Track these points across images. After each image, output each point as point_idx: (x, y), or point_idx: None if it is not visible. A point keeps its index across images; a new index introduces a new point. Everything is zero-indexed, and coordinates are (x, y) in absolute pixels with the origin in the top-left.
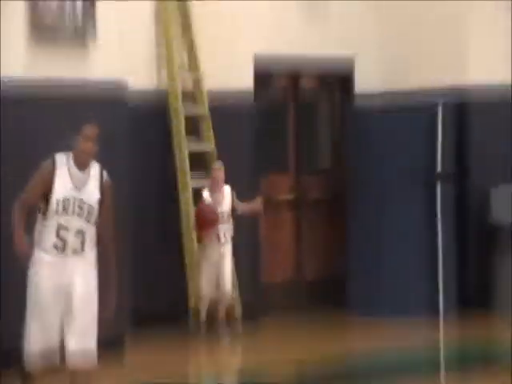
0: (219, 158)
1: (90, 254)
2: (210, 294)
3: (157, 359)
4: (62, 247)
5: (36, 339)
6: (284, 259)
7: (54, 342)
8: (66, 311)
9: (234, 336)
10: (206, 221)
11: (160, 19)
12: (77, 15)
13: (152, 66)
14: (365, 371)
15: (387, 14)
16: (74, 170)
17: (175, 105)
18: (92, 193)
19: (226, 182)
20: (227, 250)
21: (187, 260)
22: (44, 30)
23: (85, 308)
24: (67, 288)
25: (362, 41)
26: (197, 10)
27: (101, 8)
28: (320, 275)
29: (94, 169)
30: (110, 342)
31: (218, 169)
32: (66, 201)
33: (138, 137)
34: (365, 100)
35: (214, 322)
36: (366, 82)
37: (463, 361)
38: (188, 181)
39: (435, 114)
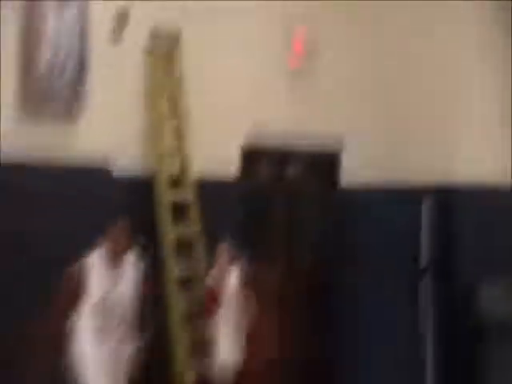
0: (207, 244)
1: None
2: None
3: None
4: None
5: None
6: None
7: None
8: None
9: None
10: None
11: (149, 98)
12: (66, 89)
13: (139, 148)
14: None
15: (374, 106)
16: (108, 267)
17: (161, 191)
18: (128, 289)
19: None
20: None
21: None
22: (33, 103)
23: None
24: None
25: (349, 136)
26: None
27: (89, 85)
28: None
29: (129, 261)
30: None
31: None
32: (103, 301)
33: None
34: (350, 193)
35: None
36: (353, 174)
37: None
38: (173, 268)
39: (420, 211)
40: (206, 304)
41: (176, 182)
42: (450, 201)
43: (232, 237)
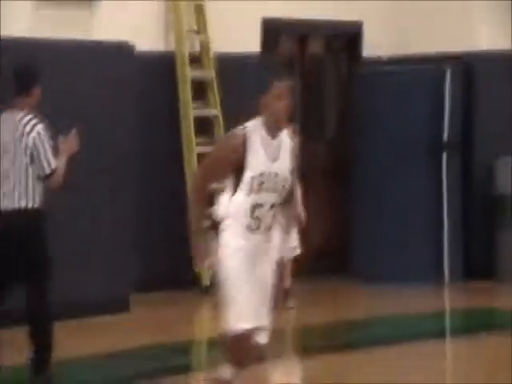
0: (225, 122)
1: (275, 228)
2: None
3: (160, 320)
4: (256, 227)
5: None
6: None
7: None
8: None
9: None
10: None
11: None
12: None
13: (160, 28)
14: (368, 339)
15: None
16: (267, 138)
17: (182, 69)
18: (286, 162)
19: None
20: None
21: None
22: None
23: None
24: (260, 270)
25: (371, 5)
26: None
27: None
28: (324, 244)
29: (285, 133)
30: (114, 305)
31: None
32: (261, 176)
33: (144, 99)
34: (372, 65)
35: None
36: (374, 47)
37: (468, 329)
38: (193, 146)
39: (443, 80)
40: None
41: (197, 60)
42: (472, 68)
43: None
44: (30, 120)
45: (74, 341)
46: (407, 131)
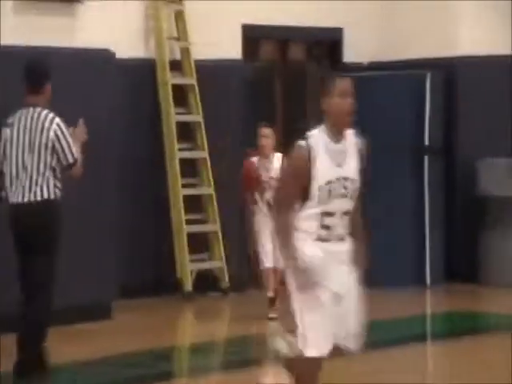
0: (207, 127)
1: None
2: (271, 265)
3: (143, 327)
4: (326, 237)
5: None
6: None
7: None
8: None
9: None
10: (251, 178)
11: None
12: None
13: (140, 35)
14: None
15: None
16: (331, 144)
17: (163, 75)
18: (353, 165)
19: (216, 152)
20: None
21: (174, 230)
22: None
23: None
24: (337, 280)
25: (352, 11)
26: None
27: None
28: None
29: (349, 134)
30: (96, 311)
31: (265, 136)
32: (329, 185)
33: (125, 106)
34: (353, 71)
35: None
36: (355, 53)
37: (450, 332)
38: (175, 152)
39: (423, 85)
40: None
41: (178, 66)
42: (452, 74)
43: (234, 120)
44: (47, 115)
45: (56, 347)
46: (389, 136)
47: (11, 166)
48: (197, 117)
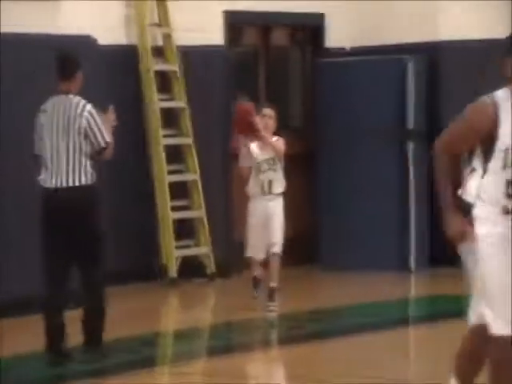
0: (191, 114)
1: None
2: (258, 255)
3: (128, 313)
4: None
5: None
6: None
7: None
8: None
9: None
10: (243, 122)
11: None
12: None
13: (122, 22)
14: (336, 328)
15: None
16: None
17: (145, 61)
18: None
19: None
20: (276, 205)
21: (160, 216)
22: None
23: None
24: None
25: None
26: None
27: None
28: (291, 232)
29: None
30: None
31: (267, 116)
32: None
33: (108, 92)
34: (335, 56)
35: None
36: (337, 37)
37: (433, 315)
38: (160, 138)
39: (406, 70)
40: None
41: (160, 53)
42: (435, 58)
43: (217, 105)
44: (79, 101)
45: (40, 334)
46: (373, 121)
47: (47, 150)
48: (180, 103)
